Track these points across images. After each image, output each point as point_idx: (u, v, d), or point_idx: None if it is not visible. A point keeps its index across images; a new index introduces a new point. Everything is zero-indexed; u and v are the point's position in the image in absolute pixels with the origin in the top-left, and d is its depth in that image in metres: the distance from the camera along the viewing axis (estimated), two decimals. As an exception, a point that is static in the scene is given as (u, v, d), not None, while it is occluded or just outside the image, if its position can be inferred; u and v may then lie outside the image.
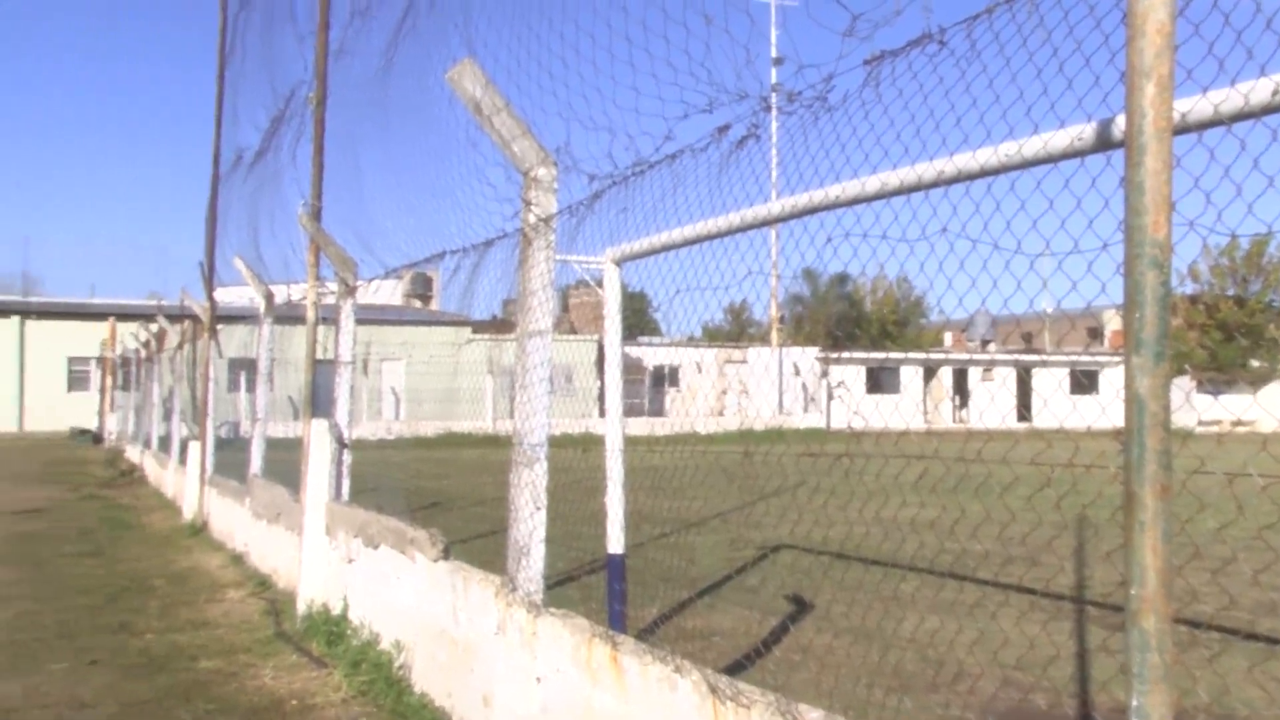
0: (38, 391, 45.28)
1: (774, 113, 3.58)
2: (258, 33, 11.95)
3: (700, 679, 3.49)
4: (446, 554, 5.95)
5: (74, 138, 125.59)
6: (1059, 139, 2.66)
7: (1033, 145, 2.73)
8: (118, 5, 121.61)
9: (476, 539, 9.87)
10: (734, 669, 6.04)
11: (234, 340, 15.46)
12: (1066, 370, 51.15)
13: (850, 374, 49.55)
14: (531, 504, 4.85)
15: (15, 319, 45.81)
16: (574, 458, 6.34)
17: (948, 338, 60.14)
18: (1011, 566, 10.00)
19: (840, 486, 12.08)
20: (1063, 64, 2.53)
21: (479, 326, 39.55)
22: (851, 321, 60.24)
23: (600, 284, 5.17)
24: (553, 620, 4.53)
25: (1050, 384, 50.23)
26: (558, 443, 5.06)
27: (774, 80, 3.62)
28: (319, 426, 8.27)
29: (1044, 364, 52.12)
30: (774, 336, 51.55)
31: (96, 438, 38.41)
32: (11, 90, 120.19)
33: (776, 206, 3.64)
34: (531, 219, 4.83)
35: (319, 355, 9.27)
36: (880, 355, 51.69)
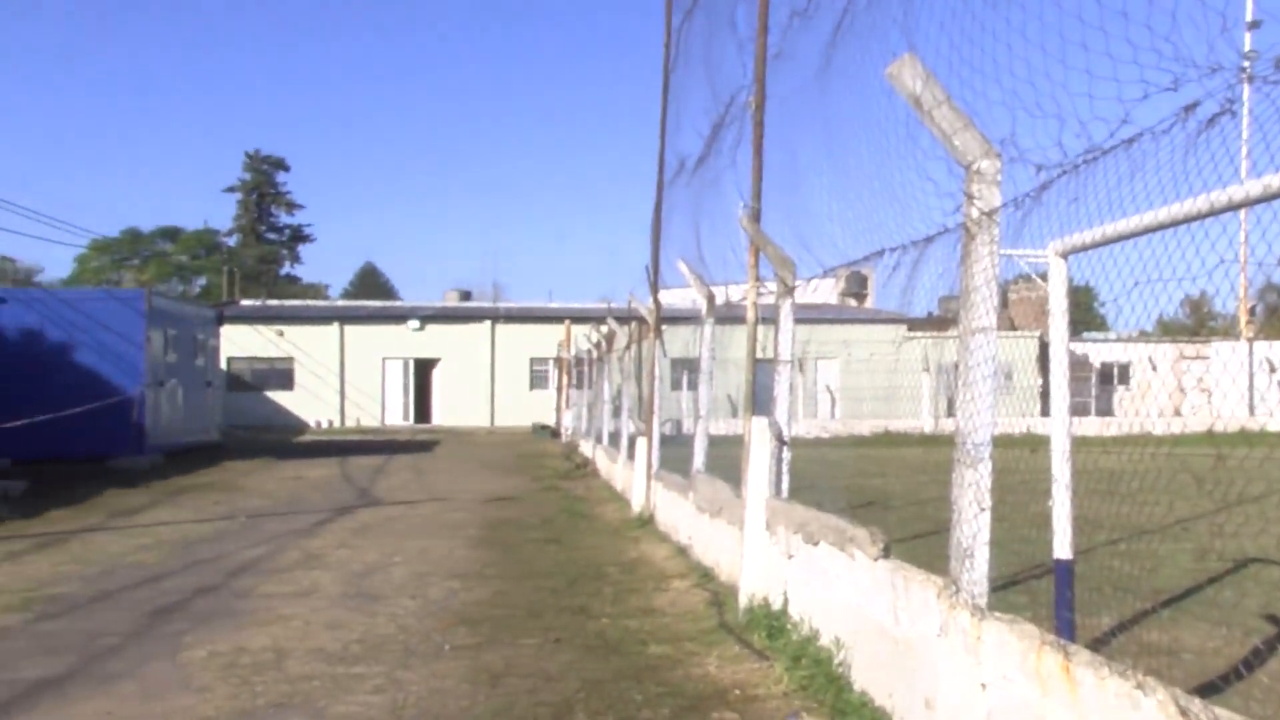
0: (505, 389, 49.62)
1: (1247, 85, 3.26)
2: (699, 42, 12.43)
3: (1168, 699, 3.24)
4: (886, 553, 5.91)
5: (531, 155, 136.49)
6: None
7: None
8: (565, 25, 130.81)
9: (915, 539, 9.72)
10: (1206, 691, 5.56)
11: (677, 340, 16.18)
12: None
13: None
14: (975, 505, 4.71)
15: (487, 323, 50.49)
16: (1016, 458, 6.09)
17: None
18: None
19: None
20: None
21: (915, 324, 38.95)
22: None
23: (1044, 278, 4.94)
24: (998, 625, 4.38)
25: None
26: (998, 442, 4.89)
27: (1247, 47, 3.30)
28: (759, 424, 8.47)
29: None
30: (1243, 330, 46.97)
31: (554, 433, 41.42)
32: (473, 116, 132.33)
33: (1256, 187, 3.30)
34: (974, 213, 4.69)
35: (758, 354, 9.49)
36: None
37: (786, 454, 8.50)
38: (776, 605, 7.91)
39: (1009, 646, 4.25)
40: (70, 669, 7.32)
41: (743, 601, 8.44)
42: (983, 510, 4.72)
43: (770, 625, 7.70)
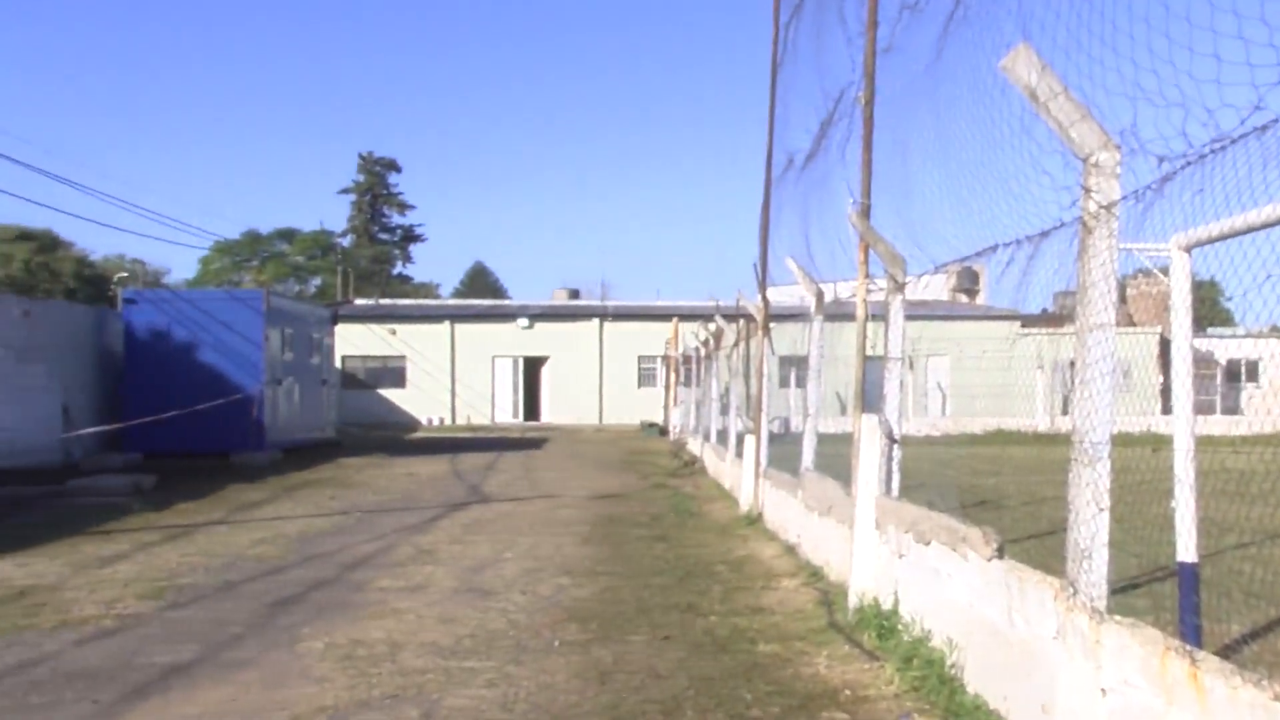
0: (613, 387, 49.88)
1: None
2: (808, 38, 12.33)
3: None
4: (1000, 553, 5.80)
5: (640, 153, 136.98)
6: None
7: None
8: (673, 23, 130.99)
9: (1029, 539, 9.52)
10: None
11: (784, 338, 16.05)
12: None
13: None
14: (1093, 505, 4.60)
15: (595, 321, 50.82)
16: (1136, 457, 5.93)
17: None
18: None
19: None
20: None
21: (1028, 321, 38.15)
22: None
23: (1165, 273, 4.79)
24: (1119, 629, 4.27)
25: None
26: (1117, 441, 4.76)
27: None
28: (869, 422, 8.38)
29: None
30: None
31: (662, 430, 41.53)
32: (585, 119, 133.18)
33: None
34: (1092, 206, 4.58)
35: (867, 351, 9.39)
36: None
37: (897, 452, 8.40)
38: (887, 605, 7.82)
39: (1130, 651, 4.14)
40: (197, 656, 7.57)
41: (852, 601, 8.37)
42: (1101, 510, 4.60)
43: (880, 625, 7.62)
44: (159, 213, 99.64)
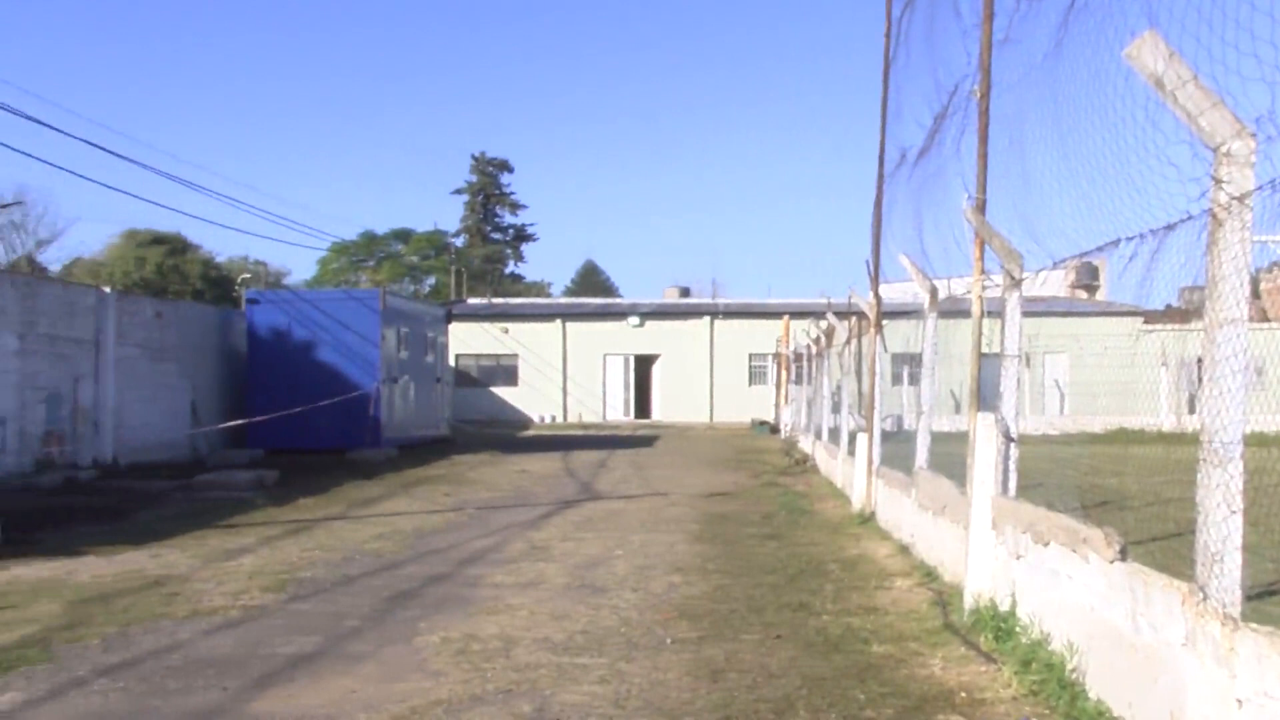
0: (724, 385, 49.79)
1: None
2: (921, 31, 12.13)
3: None
4: (1124, 555, 5.63)
5: (750, 151, 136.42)
6: None
7: None
8: (783, 19, 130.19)
9: (1153, 541, 9.23)
10: None
11: (897, 335, 15.83)
12: None
13: None
14: (1224, 506, 4.44)
15: (706, 319, 50.79)
16: (1270, 459, 5.72)
17: None
18: None
19: None
20: None
21: (1152, 316, 37.03)
22: None
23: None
24: (1255, 637, 4.11)
25: None
26: (1249, 441, 4.58)
27: None
28: (985, 420, 8.22)
29: None
30: None
31: (773, 428, 41.32)
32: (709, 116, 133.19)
33: None
34: (1223, 198, 4.41)
35: (983, 349, 9.21)
36: None
37: (1014, 451, 8.23)
38: (1004, 606, 7.66)
39: (1269, 661, 3.98)
40: (319, 647, 7.76)
41: (968, 602, 8.22)
42: (1233, 513, 4.44)
43: (997, 627, 7.47)
44: (280, 215, 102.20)
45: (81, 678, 7.01)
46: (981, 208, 8.96)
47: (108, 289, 24.41)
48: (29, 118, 19.09)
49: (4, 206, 34.35)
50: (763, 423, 42.93)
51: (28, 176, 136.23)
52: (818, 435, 24.49)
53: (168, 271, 58.76)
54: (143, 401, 24.04)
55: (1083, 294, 49.90)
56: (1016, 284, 8.14)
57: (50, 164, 28.77)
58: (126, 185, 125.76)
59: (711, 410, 49.51)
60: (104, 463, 22.17)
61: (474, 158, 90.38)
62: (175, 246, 60.69)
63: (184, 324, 26.63)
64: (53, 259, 60.82)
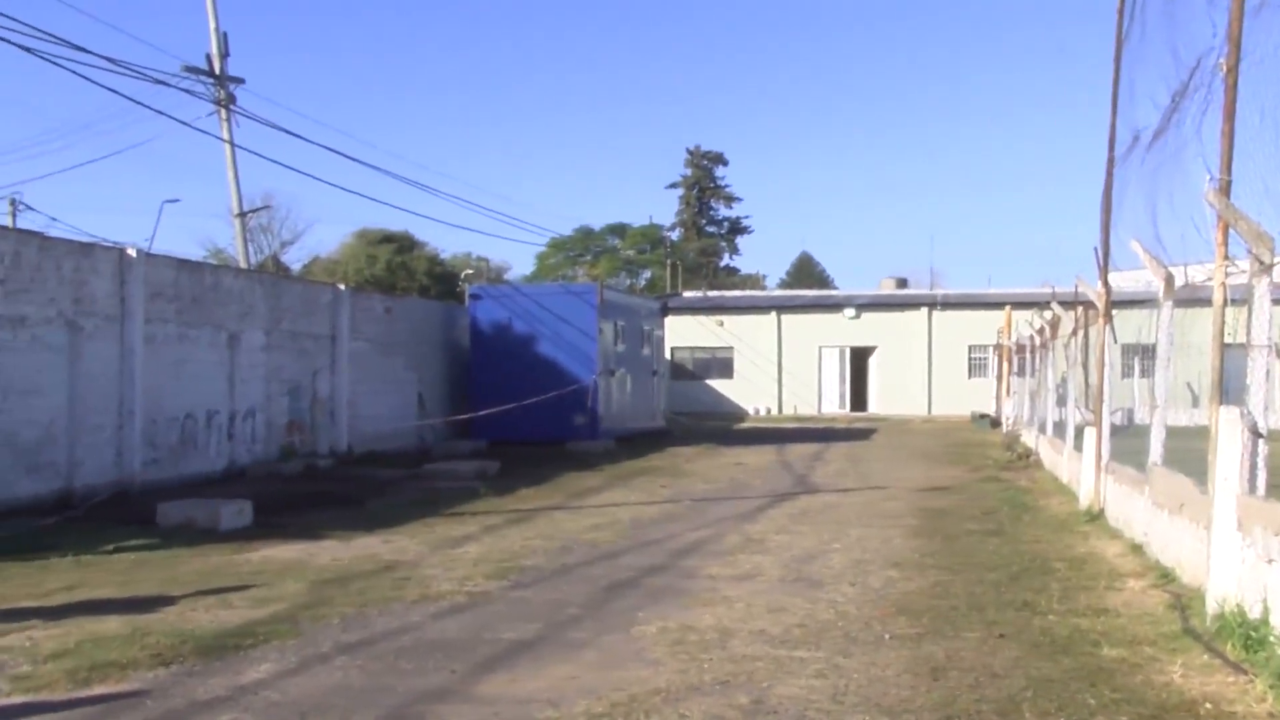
0: (942, 377, 48.59)
1: None
2: (1158, 6, 11.49)
3: None
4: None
5: (969, 138, 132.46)
6: None
7: None
8: (1003, 3, 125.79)
9: None
10: None
11: (1127, 326, 15.12)
12: None
13: None
14: None
15: (924, 310, 49.66)
16: None
17: None
18: None
19: None
20: None
21: None
22: None
23: None
24: None
25: None
26: None
27: None
28: (1228, 414, 7.75)
29: None
30: None
31: (994, 422, 40.08)
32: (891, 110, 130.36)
33: None
34: None
35: (1226, 339, 8.69)
36: None
37: (1262, 448, 7.72)
38: (1254, 614, 7.19)
39: None
40: (539, 634, 7.98)
41: (1210, 607, 7.76)
42: None
43: (1247, 636, 7.00)
44: (500, 212, 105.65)
45: (324, 654, 7.45)
46: (1226, 190, 8.43)
47: (342, 286, 25.70)
48: (278, 128, 20.29)
49: (254, 211, 36.56)
50: (983, 416, 41.67)
51: (275, 182, 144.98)
52: (1041, 429, 23.69)
53: (396, 269, 61.32)
54: (373, 393, 25.23)
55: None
56: (1266, 269, 7.63)
57: (296, 170, 30.50)
58: (360, 187, 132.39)
59: (929, 403, 48.40)
60: (339, 451, 23.38)
61: (689, 152, 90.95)
62: (403, 244, 63.29)
63: (411, 319, 27.81)
64: (294, 259, 64.52)
